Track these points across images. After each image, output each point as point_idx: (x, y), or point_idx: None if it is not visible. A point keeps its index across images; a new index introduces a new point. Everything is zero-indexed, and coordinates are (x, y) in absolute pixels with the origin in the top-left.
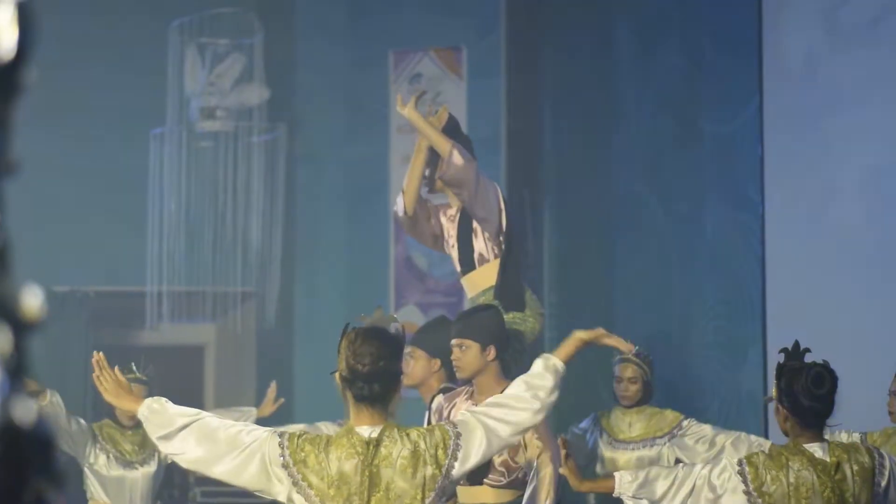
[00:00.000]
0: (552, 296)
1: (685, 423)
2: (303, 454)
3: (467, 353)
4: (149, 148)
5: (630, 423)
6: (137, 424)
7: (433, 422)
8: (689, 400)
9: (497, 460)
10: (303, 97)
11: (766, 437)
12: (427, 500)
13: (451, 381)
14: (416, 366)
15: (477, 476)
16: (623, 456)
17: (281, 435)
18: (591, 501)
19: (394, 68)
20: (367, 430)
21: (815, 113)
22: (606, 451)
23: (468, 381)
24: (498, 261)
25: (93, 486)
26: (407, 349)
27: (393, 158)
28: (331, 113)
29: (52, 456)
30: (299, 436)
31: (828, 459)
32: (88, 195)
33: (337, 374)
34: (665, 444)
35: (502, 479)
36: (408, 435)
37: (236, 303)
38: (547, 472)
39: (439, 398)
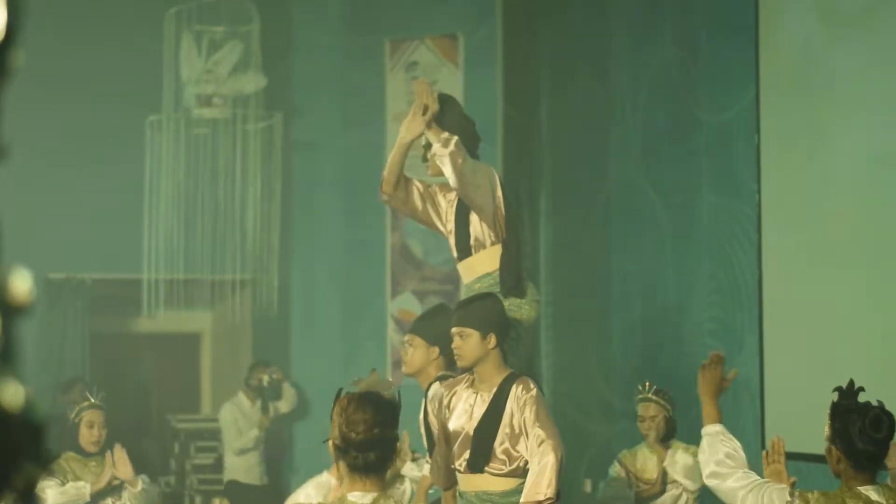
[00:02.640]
0: (549, 284)
1: None
2: None
3: (468, 342)
4: (145, 135)
5: (657, 463)
6: (100, 451)
7: (430, 410)
8: (685, 388)
9: (498, 448)
10: (299, 85)
11: (762, 426)
12: None
13: (450, 369)
14: (415, 354)
15: (478, 464)
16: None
17: None
18: (587, 487)
19: (390, 57)
20: (359, 497)
21: (811, 101)
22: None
23: (468, 370)
24: (496, 247)
25: None
26: (406, 337)
27: (389, 146)
28: (327, 101)
29: (43, 442)
30: None
31: (883, 502)
32: (85, 182)
33: (330, 443)
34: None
35: (503, 467)
36: None
37: (233, 291)
38: (549, 461)
39: (436, 386)
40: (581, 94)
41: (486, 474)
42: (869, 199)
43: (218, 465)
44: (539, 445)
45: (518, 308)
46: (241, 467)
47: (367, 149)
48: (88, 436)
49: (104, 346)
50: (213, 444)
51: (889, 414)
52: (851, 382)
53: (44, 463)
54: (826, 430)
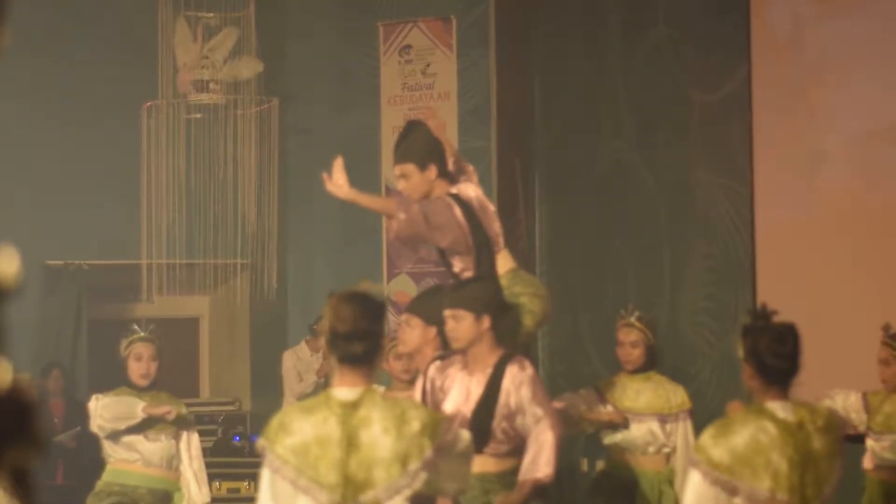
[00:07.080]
0: (544, 264)
1: (686, 418)
2: (282, 435)
3: (462, 324)
4: (142, 121)
5: (637, 391)
6: (152, 385)
7: (427, 390)
8: (680, 366)
9: (497, 429)
10: (294, 70)
11: None
12: (410, 467)
13: (446, 349)
14: (412, 333)
15: (478, 445)
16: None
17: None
18: (584, 466)
19: (383, 40)
20: (345, 393)
21: (803, 80)
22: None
23: (462, 351)
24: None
25: (110, 448)
26: (403, 317)
27: (384, 129)
28: (322, 85)
29: (32, 423)
30: (277, 427)
31: (790, 418)
32: (81, 168)
33: (322, 340)
34: (677, 423)
35: (503, 447)
36: (393, 400)
37: (231, 275)
38: (547, 439)
39: (433, 368)
40: (574, 75)
41: (485, 456)
42: (862, 176)
43: (216, 449)
44: (537, 423)
45: (523, 307)
46: None
47: (362, 132)
48: (137, 368)
49: (102, 331)
50: (212, 428)
51: (795, 331)
52: (764, 306)
53: (35, 443)
54: (739, 351)
